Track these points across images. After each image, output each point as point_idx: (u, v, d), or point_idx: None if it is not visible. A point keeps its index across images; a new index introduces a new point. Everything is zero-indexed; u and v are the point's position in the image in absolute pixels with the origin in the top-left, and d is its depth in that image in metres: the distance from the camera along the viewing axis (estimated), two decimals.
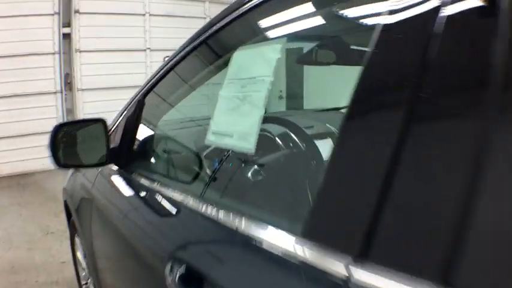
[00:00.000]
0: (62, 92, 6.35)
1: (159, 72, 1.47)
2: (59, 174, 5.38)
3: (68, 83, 6.46)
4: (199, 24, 1.60)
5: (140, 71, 6.73)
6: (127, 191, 1.44)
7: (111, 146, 1.45)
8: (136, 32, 6.83)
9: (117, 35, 6.55)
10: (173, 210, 1.15)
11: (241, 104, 0.97)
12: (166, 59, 1.61)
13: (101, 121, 1.40)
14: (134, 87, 7.35)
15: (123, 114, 1.66)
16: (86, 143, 1.47)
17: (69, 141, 1.43)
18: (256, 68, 0.95)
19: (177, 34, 6.54)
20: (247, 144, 0.91)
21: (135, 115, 1.52)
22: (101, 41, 6.41)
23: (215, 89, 1.07)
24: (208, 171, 1.46)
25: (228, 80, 1.05)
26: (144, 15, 6.89)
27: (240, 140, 0.94)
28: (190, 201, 1.05)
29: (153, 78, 1.51)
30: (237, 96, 0.98)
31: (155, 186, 1.29)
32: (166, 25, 7.01)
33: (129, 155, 1.52)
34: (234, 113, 0.99)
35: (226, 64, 1.11)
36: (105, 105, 5.78)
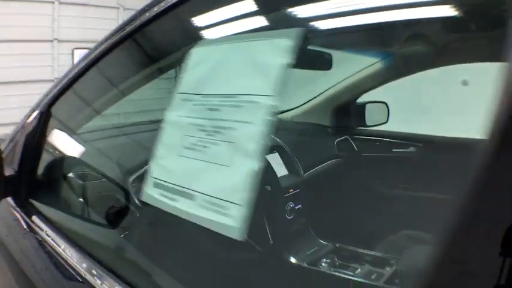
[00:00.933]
0: None
1: (69, 73, 1.15)
2: None
3: None
4: (113, 14, 1.24)
5: (45, 64, 6.13)
6: (22, 242, 1.11)
7: (7, 173, 1.14)
8: (43, 20, 6.22)
9: (20, 24, 5.90)
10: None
11: (211, 144, 0.54)
12: (76, 51, 1.25)
13: None
14: (38, 81, 6.71)
15: (22, 129, 1.31)
16: None
17: None
18: (242, 78, 0.53)
19: (89, 24, 6.20)
20: (230, 221, 0.49)
21: (37, 131, 1.22)
22: None
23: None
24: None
25: (181, 95, 0.62)
26: (53, 3, 6.32)
27: (212, 212, 0.51)
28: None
29: (62, 82, 1.18)
30: (201, 127, 0.56)
31: (59, 238, 0.99)
32: (77, 14, 6.47)
33: (31, 184, 1.22)
34: (196, 155, 0.56)
35: (175, 64, 0.76)
36: (4, 102, 5.26)
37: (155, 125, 1.86)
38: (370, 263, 1.50)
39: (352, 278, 1.44)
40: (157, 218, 1.29)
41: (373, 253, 1.54)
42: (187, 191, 0.56)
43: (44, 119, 1.22)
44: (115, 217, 1.15)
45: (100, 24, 6.11)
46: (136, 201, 1.25)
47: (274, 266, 1.58)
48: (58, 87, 1.18)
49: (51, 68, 6.10)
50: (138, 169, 1.37)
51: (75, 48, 6.06)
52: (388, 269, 1.43)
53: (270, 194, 1.50)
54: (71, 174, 1.31)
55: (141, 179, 1.30)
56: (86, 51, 1.17)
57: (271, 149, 1.70)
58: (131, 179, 1.35)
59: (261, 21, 0.81)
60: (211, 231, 0.53)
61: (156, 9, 0.86)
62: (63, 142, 1.34)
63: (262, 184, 1.43)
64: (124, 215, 1.17)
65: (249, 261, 1.45)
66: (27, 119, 1.30)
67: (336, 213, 2.08)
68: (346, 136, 2.11)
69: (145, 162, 1.36)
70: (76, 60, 4.73)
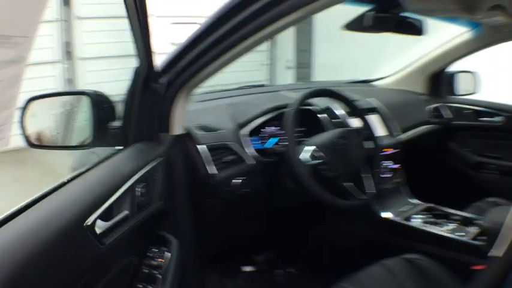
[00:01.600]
0: (61, 62, 6.01)
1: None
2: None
3: (67, 52, 6.12)
4: None
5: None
6: None
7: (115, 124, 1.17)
8: None
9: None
10: None
11: None
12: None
13: (86, 94, 1.12)
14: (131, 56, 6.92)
15: None
16: (66, 120, 1.22)
17: (44, 117, 1.18)
18: None
19: None
20: None
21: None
22: (102, 7, 6.05)
23: None
24: None
25: None
26: None
27: None
28: None
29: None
30: None
31: None
32: None
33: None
34: None
35: None
36: (109, 74, 5.45)
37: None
38: (459, 221, 1.59)
39: (441, 233, 1.53)
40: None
41: (461, 213, 1.63)
42: None
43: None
44: None
45: None
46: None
47: (367, 218, 1.69)
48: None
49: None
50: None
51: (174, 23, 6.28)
52: (475, 227, 1.51)
53: (368, 150, 1.59)
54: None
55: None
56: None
57: (371, 110, 1.83)
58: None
59: None
60: None
61: None
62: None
63: (363, 140, 1.55)
64: None
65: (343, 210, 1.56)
66: None
67: (428, 175, 2.17)
68: (437, 104, 2.16)
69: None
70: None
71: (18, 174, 4.69)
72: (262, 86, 2.35)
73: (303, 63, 6.08)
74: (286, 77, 6.28)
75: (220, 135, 1.40)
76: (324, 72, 5.76)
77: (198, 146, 1.32)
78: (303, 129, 1.52)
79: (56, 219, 0.81)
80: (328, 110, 1.63)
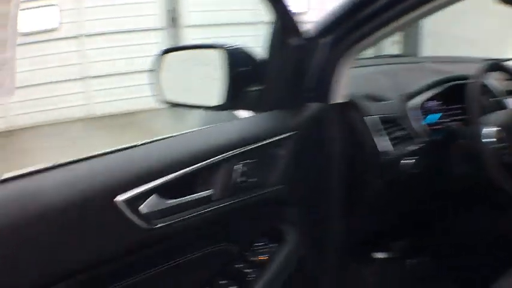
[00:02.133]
0: (165, 29, 6.10)
1: None
2: (165, 113, 5.20)
3: (172, 18, 6.17)
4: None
5: (256, 7, 6.01)
6: None
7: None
8: None
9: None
10: None
11: None
12: None
13: (222, 48, 1.00)
14: (249, 24, 6.90)
15: None
16: (201, 77, 1.14)
17: (180, 72, 1.13)
18: None
19: None
20: None
21: None
22: None
23: None
24: None
25: None
26: None
27: None
28: None
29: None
30: None
31: None
32: None
33: None
34: None
35: None
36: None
37: None
38: None
39: None
40: None
41: None
42: None
43: None
44: None
45: None
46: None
47: None
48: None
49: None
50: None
51: None
52: None
53: None
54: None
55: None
56: None
57: None
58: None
59: None
60: None
61: None
62: None
63: None
64: None
65: None
66: None
67: None
68: None
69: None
70: None
71: (121, 139, 4.76)
72: (398, 56, 2.29)
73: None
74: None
75: (387, 106, 1.27)
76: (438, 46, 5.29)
77: (366, 118, 1.19)
78: (455, 106, 1.39)
79: (87, 185, 0.77)
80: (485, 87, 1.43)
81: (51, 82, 5.92)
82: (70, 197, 0.74)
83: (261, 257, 1.00)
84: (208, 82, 1.07)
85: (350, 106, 1.17)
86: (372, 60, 1.73)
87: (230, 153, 0.90)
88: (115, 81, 6.04)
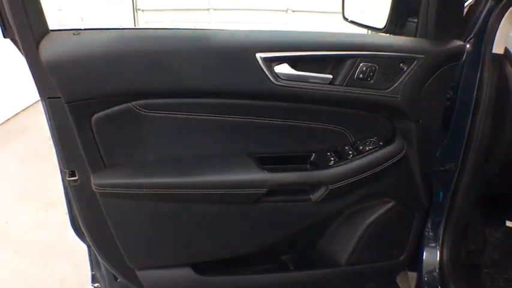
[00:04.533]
0: None
1: None
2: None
3: None
4: None
5: None
6: None
7: None
8: None
9: None
10: None
11: None
12: None
13: None
14: None
15: None
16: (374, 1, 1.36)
17: None
18: None
19: None
20: None
21: None
22: None
23: None
24: None
25: None
26: None
27: None
28: None
29: None
30: None
31: None
32: None
33: None
34: None
35: None
36: None
37: None
38: None
39: None
40: None
41: None
42: None
43: None
44: None
45: None
46: None
47: None
48: None
49: None
50: None
51: None
52: None
53: None
54: None
55: None
56: None
57: None
58: None
59: None
60: None
61: None
62: None
63: None
64: None
65: None
66: None
67: None
68: None
69: None
70: None
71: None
72: None
73: None
74: None
75: None
76: None
77: None
78: None
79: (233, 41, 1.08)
80: None
81: None
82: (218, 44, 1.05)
83: (368, 148, 1.19)
84: (378, 6, 1.27)
85: (505, 58, 1.23)
86: None
87: (359, 53, 1.10)
88: None
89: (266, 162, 1.15)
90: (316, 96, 1.10)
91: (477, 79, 1.23)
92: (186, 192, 1.09)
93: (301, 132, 1.17)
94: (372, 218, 1.31)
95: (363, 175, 1.17)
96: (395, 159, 1.19)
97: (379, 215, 1.32)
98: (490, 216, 1.68)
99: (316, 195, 1.17)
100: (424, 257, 1.47)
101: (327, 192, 1.15)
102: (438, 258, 1.45)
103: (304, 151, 1.20)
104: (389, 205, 1.32)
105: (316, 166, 1.19)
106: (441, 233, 1.43)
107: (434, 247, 1.44)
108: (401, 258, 1.42)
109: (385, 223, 1.32)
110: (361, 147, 1.19)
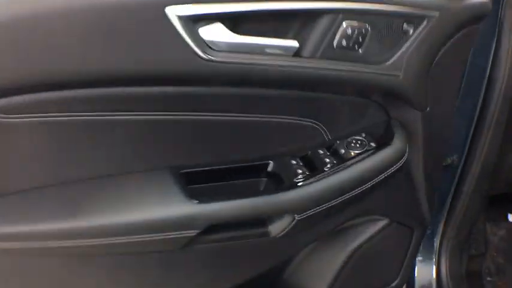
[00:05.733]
0: None
1: None
2: None
3: None
4: None
5: None
6: None
7: None
8: None
9: None
10: None
11: None
12: None
13: None
14: None
15: None
16: None
17: None
18: None
19: None
20: None
21: None
22: None
23: None
24: None
25: None
26: None
27: None
28: None
29: None
30: None
31: None
32: None
33: None
34: None
35: None
36: None
37: None
38: None
39: None
40: None
41: None
42: None
43: None
44: None
45: None
46: None
47: None
48: None
49: None
50: None
51: None
52: None
53: None
54: None
55: None
56: None
57: None
58: None
59: None
60: None
61: None
62: None
63: None
64: None
65: None
66: None
67: None
68: None
69: None
70: None
71: None
72: None
73: None
74: None
75: None
76: None
77: None
78: None
79: None
80: None
81: None
82: None
83: (354, 152, 0.82)
84: None
85: None
86: None
87: (341, 5, 0.70)
88: None
89: (198, 179, 0.77)
90: (272, 75, 0.71)
91: (492, 51, 1.01)
92: (71, 244, 0.70)
93: (252, 131, 0.79)
94: (357, 242, 0.99)
95: (346, 196, 0.81)
96: (393, 169, 0.84)
97: (367, 237, 0.99)
98: (491, 210, 1.50)
99: (276, 228, 0.79)
100: (416, 274, 1.26)
101: (292, 224, 0.78)
102: (434, 275, 1.26)
103: (256, 159, 0.81)
104: (381, 224, 0.99)
105: (275, 181, 0.81)
106: (437, 243, 1.23)
107: (430, 260, 1.26)
108: (394, 284, 1.14)
109: (375, 246, 1.01)
110: (342, 151, 0.83)
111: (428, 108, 0.84)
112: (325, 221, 0.85)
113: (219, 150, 0.78)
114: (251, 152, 0.80)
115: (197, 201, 0.71)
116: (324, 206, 0.78)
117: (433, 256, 1.24)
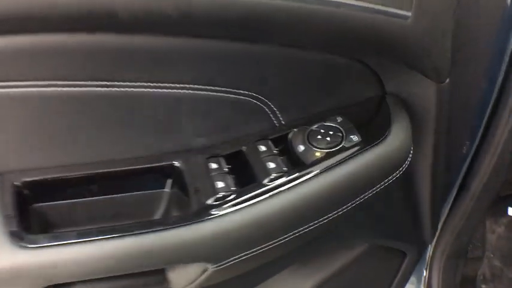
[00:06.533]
0: None
1: None
2: None
3: None
4: None
5: None
6: None
7: None
8: None
9: None
10: None
11: None
12: None
13: None
14: None
15: None
16: None
17: None
18: None
19: None
20: None
21: None
22: None
23: None
24: None
25: None
26: None
27: None
28: None
29: None
30: None
31: None
32: None
33: None
34: None
35: None
36: None
37: None
38: None
39: None
40: None
41: None
42: None
43: None
44: None
45: None
46: None
47: None
48: None
49: None
50: None
51: None
52: None
53: None
54: None
55: None
56: None
57: None
58: None
59: None
60: None
61: None
62: None
63: None
64: None
65: None
66: None
67: None
68: None
69: None
70: None
71: None
72: None
73: None
74: None
75: None
76: None
77: None
78: None
79: None
80: None
81: None
82: None
83: (322, 151, 0.49)
84: None
85: None
86: None
87: None
88: None
89: (41, 195, 0.46)
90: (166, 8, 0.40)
91: None
92: None
93: (137, 107, 0.47)
94: (326, 271, 0.70)
95: (302, 230, 0.49)
96: (387, 182, 0.51)
97: (339, 266, 0.69)
98: (493, 205, 1.26)
99: (180, 278, 0.47)
100: None
101: (205, 275, 0.46)
102: None
103: (151, 158, 0.49)
104: (358, 250, 0.69)
105: (176, 204, 0.49)
106: (429, 253, 0.96)
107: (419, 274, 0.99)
108: None
109: (350, 274, 0.72)
110: (300, 148, 0.49)
111: (448, 80, 0.50)
112: (269, 266, 0.51)
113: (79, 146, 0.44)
114: (137, 147, 0.46)
115: (32, 245, 0.39)
116: (260, 249, 0.44)
117: (424, 270, 0.99)
